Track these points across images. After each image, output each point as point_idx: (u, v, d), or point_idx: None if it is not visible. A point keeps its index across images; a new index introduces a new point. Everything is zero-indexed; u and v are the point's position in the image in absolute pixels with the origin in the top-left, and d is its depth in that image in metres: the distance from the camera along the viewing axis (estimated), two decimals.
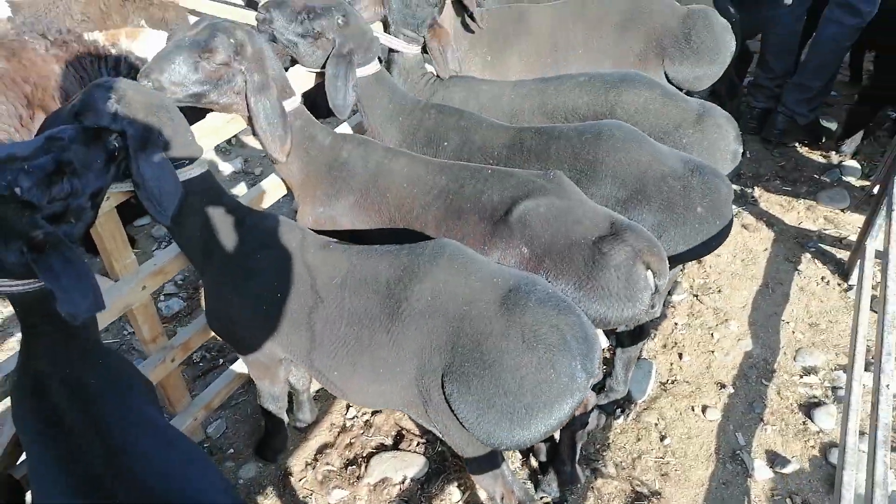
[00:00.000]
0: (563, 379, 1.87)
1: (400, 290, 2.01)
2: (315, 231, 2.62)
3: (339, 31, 2.61)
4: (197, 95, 2.32)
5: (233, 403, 3.32)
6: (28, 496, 2.30)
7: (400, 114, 2.81)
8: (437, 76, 3.09)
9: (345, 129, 3.13)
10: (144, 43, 4.57)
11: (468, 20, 3.30)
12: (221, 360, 3.58)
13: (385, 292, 2.03)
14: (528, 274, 2.09)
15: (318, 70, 2.77)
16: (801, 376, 3.24)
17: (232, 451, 3.13)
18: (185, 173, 2.15)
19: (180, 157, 2.13)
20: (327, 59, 2.66)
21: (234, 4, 7.64)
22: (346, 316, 2.07)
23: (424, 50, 3.08)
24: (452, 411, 1.94)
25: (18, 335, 3.72)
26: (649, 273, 2.14)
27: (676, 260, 2.46)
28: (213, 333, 2.83)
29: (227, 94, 2.35)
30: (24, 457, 2.35)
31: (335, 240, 2.29)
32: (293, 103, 2.52)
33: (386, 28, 3.00)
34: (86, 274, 1.72)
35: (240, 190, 4.91)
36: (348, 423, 3.17)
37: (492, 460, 2.19)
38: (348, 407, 3.26)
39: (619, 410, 3.09)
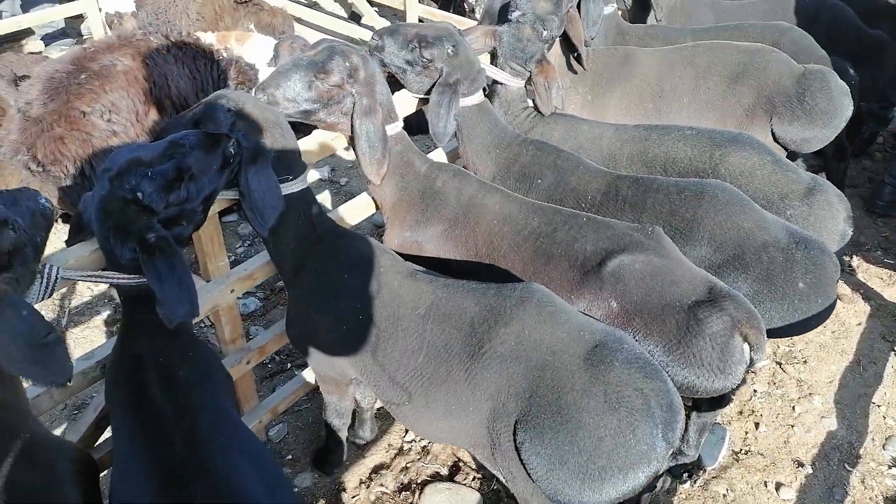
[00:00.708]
0: (643, 446, 1.80)
1: (484, 331, 1.99)
2: (400, 255, 2.65)
3: (447, 60, 2.64)
4: (307, 112, 2.38)
5: (296, 409, 3.37)
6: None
7: (497, 146, 2.80)
8: (538, 111, 3.07)
9: (440, 154, 3.15)
10: (253, 47, 4.77)
11: (573, 60, 3.27)
12: (289, 365, 3.65)
13: (468, 330, 2.01)
14: (617, 331, 2.03)
15: (423, 96, 2.80)
16: (890, 467, 3.02)
17: (290, 457, 3.17)
18: (288, 188, 2.20)
19: (285, 173, 2.19)
20: (433, 86, 2.69)
21: (338, 17, 7.92)
22: (425, 348, 2.07)
23: (527, 83, 3.07)
24: (521, 461, 1.90)
25: (107, 313, 3.92)
26: (746, 346, 2.05)
27: (769, 336, 2.34)
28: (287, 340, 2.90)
29: (335, 113, 2.41)
30: (103, 437, 2.45)
31: (422, 268, 2.29)
32: (395, 128, 2.55)
33: (493, 59, 3.02)
34: (187, 283, 1.80)
35: (324, 197, 5.03)
36: (406, 447, 3.16)
37: None
38: (407, 430, 3.25)
39: (686, 475, 2.96)
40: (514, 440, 1.90)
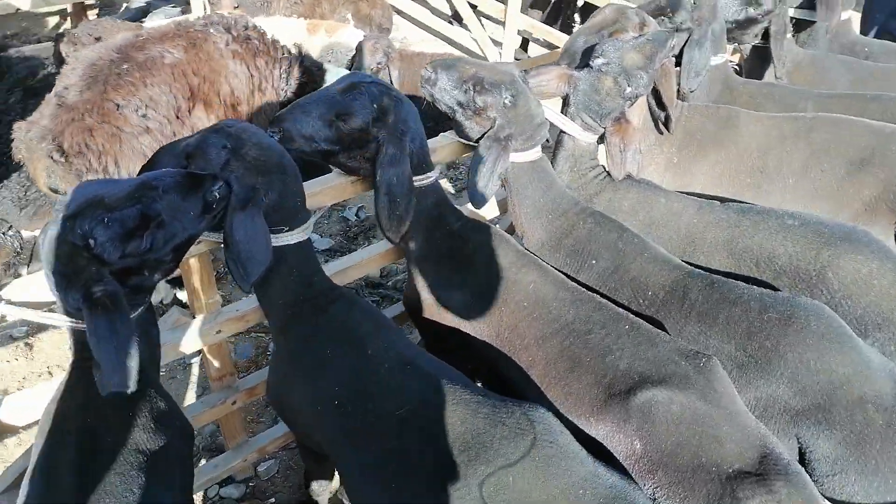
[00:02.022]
0: None
1: (463, 462, 1.63)
2: (420, 317, 2.33)
3: (502, 111, 2.25)
4: (325, 153, 2.09)
5: (292, 446, 3.13)
6: None
7: (551, 212, 2.40)
8: (608, 172, 2.64)
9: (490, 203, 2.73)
10: (339, 38, 4.53)
11: (660, 122, 2.80)
12: None
13: (447, 453, 1.66)
14: (630, 490, 1.62)
15: (466, 142, 2.44)
16: None
17: (273, 501, 2.94)
18: (281, 239, 1.92)
19: (280, 223, 1.90)
20: (483, 135, 2.33)
21: (440, 14, 7.60)
22: (397, 459, 1.73)
23: (600, 140, 2.64)
24: None
25: None
26: None
27: None
28: None
29: (356, 158, 2.10)
30: None
31: (421, 355, 1.95)
32: (427, 178, 2.21)
33: (565, 107, 2.60)
34: (126, 350, 1.55)
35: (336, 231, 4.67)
36: None
37: None
38: None
39: None
40: None
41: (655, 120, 2.84)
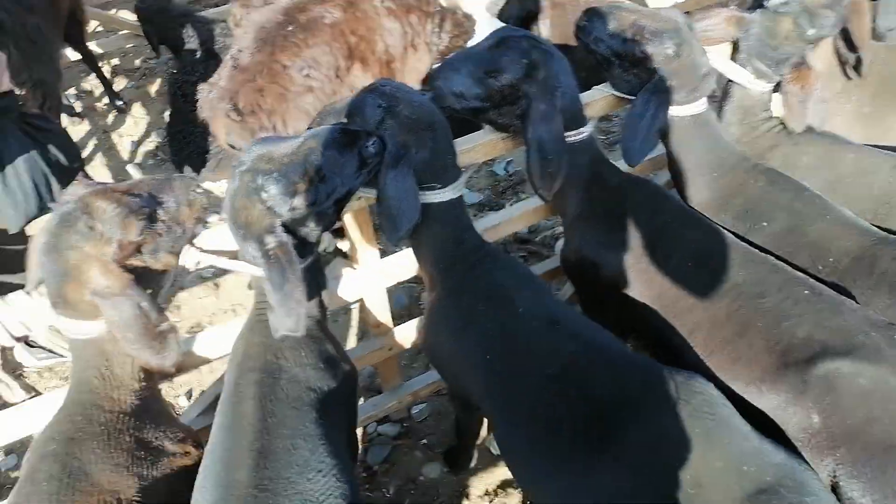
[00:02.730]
0: None
1: (613, 425, 1.61)
2: (573, 275, 2.30)
3: (664, 62, 2.10)
4: (475, 110, 2.09)
5: (443, 392, 3.27)
6: None
7: (716, 169, 2.23)
8: (784, 125, 2.39)
9: None
10: None
11: (848, 67, 2.46)
12: None
13: (595, 415, 1.64)
14: (799, 469, 1.51)
15: (623, 95, 2.31)
16: None
17: (425, 442, 3.10)
18: (432, 196, 1.96)
19: (431, 180, 1.94)
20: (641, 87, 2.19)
21: None
22: (547, 414, 1.74)
23: (776, 89, 2.39)
24: None
25: None
26: None
27: None
28: None
29: (506, 115, 2.07)
30: None
31: (570, 313, 1.92)
32: (580, 134, 2.14)
33: (734, 53, 2.37)
34: (296, 297, 1.69)
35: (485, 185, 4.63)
36: None
37: None
38: None
39: None
40: None
41: (843, 64, 2.51)
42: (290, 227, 1.75)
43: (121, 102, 5.34)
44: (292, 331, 1.70)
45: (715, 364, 1.86)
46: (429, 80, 2.08)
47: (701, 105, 2.21)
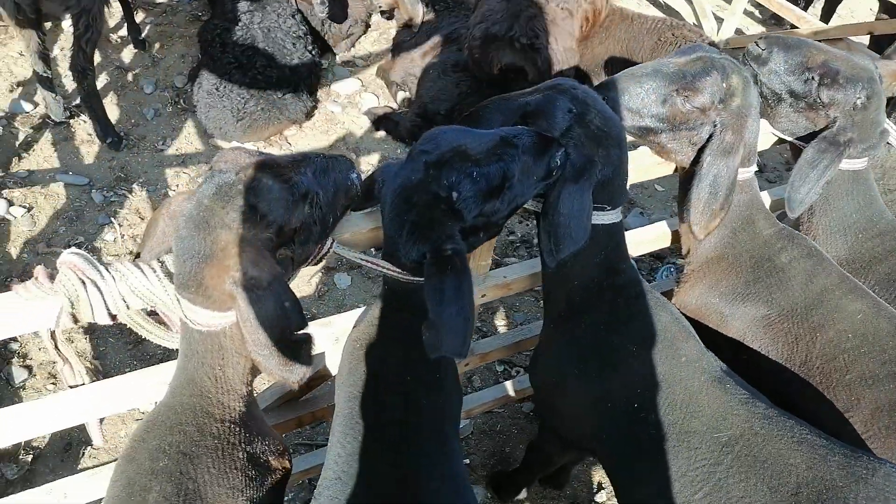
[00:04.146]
0: None
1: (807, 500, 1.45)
2: (685, 311, 2.14)
3: (849, 112, 1.96)
4: (646, 130, 1.89)
5: (494, 410, 3.07)
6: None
7: (863, 231, 2.11)
8: None
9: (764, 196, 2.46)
10: None
11: None
12: (503, 367, 3.33)
13: (785, 497, 1.48)
14: None
15: (779, 134, 2.17)
16: None
17: (468, 461, 2.90)
18: (600, 218, 1.76)
19: (603, 200, 1.74)
20: (809, 135, 2.05)
21: None
22: (711, 488, 1.57)
23: None
24: None
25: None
26: None
27: None
28: (511, 352, 2.56)
29: (681, 140, 1.89)
30: None
31: (735, 376, 1.75)
32: (748, 173, 1.98)
33: (889, 109, 2.26)
34: (468, 315, 1.46)
35: None
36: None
37: None
38: (599, 488, 2.83)
39: None
40: None
41: None
42: (464, 235, 1.52)
43: (141, 38, 4.87)
44: (457, 354, 1.46)
45: (880, 450, 1.72)
46: (602, 87, 1.87)
47: (863, 162, 2.09)
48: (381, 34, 5.49)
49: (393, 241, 1.56)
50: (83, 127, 4.19)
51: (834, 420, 1.81)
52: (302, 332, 1.41)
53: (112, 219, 3.69)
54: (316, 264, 1.65)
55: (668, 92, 1.82)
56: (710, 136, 1.85)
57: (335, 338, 1.96)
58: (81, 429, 2.66)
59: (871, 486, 1.43)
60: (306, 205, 1.40)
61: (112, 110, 4.34)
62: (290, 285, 1.44)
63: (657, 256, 3.96)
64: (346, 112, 4.76)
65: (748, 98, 1.84)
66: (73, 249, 1.45)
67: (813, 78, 1.97)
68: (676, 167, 2.07)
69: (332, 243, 1.61)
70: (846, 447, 1.53)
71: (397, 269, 1.58)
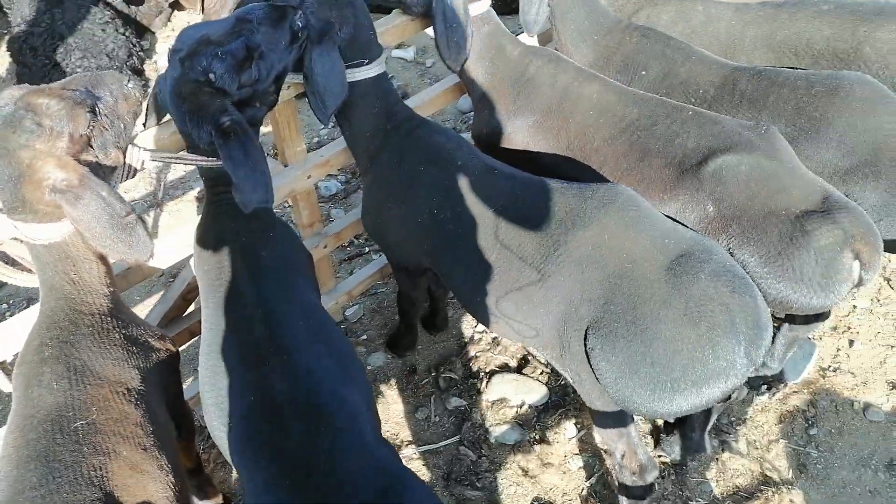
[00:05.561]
0: (721, 362, 1.72)
1: (560, 233, 1.90)
2: (485, 145, 2.53)
3: None
4: None
5: (372, 292, 3.46)
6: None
7: (596, 32, 2.55)
8: None
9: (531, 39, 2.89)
10: None
11: None
12: (367, 249, 3.71)
13: (543, 230, 1.92)
14: (706, 240, 1.88)
15: None
16: None
17: (365, 337, 3.28)
18: (359, 73, 2.10)
19: (357, 57, 2.08)
20: None
21: None
22: (498, 245, 2.00)
23: None
24: (590, 366, 1.86)
25: (199, 188, 4.04)
26: (856, 264, 1.86)
27: (888, 250, 2.11)
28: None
29: None
30: (190, 309, 2.58)
31: (500, 164, 2.17)
32: (482, 7, 2.35)
33: None
34: (261, 168, 1.77)
35: (408, 80, 4.88)
36: (476, 336, 3.20)
37: (621, 418, 2.10)
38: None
39: (765, 387, 2.85)
40: (585, 345, 1.85)
41: None
42: (237, 108, 1.81)
43: None
44: (264, 202, 1.79)
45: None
46: None
47: None
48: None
49: (187, 134, 1.84)
50: None
51: (594, 179, 2.27)
52: (130, 215, 1.67)
53: None
54: (133, 176, 1.90)
55: None
56: None
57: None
58: None
59: (595, 199, 1.91)
60: (87, 111, 1.64)
61: None
62: None
63: None
64: None
65: None
66: None
67: None
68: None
69: (139, 151, 1.87)
70: (579, 183, 1.99)
71: (203, 158, 1.87)
